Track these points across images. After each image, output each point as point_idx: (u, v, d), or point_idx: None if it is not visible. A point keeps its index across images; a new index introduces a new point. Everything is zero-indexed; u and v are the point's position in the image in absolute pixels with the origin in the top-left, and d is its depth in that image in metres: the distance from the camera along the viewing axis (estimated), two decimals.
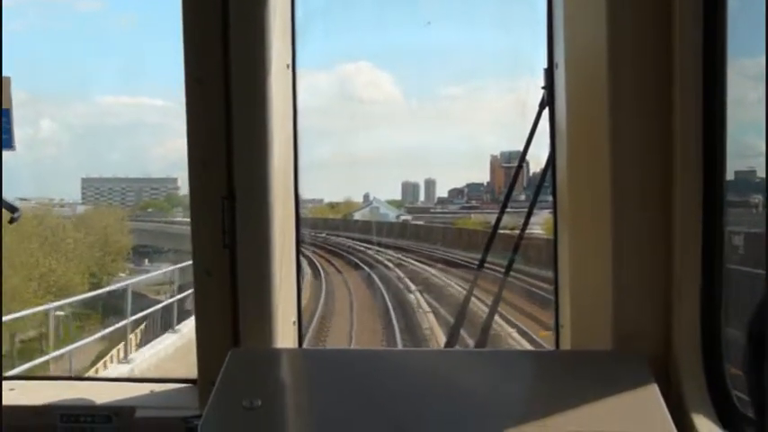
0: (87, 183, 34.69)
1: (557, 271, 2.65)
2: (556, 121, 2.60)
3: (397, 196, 30.13)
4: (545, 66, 2.63)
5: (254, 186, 2.47)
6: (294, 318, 2.72)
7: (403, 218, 27.24)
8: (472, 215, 24.96)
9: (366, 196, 28.09)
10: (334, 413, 2.09)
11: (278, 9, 2.51)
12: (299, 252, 2.75)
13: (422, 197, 30.67)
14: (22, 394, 2.82)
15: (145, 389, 2.87)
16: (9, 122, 2.73)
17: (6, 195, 2.62)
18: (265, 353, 2.48)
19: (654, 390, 2.09)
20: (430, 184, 30.24)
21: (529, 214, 2.89)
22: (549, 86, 2.61)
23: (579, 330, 2.50)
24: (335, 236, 24.88)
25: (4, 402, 2.65)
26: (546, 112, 2.64)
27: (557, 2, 2.50)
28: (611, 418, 2.05)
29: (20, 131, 2.76)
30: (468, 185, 27.85)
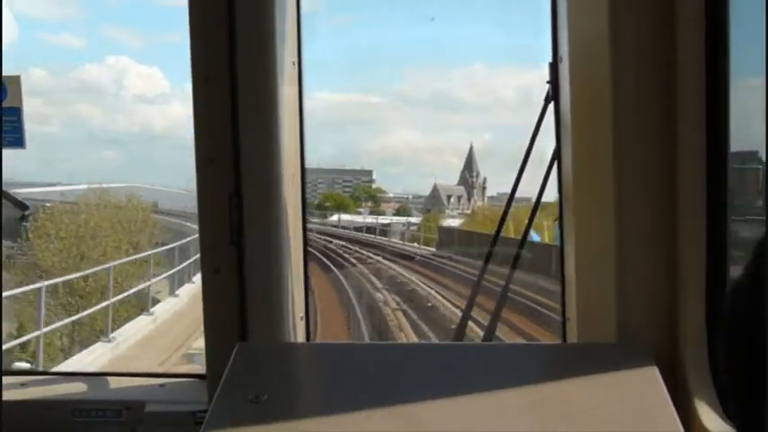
0: None
1: (563, 264, 2.65)
2: (561, 115, 2.60)
3: None
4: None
5: (260, 183, 2.49)
6: (302, 313, 2.74)
7: None
8: None
9: None
10: (340, 406, 2.10)
11: (285, 7, 2.52)
12: (306, 247, 2.77)
13: None
14: (33, 389, 2.85)
15: (155, 383, 2.90)
16: (20, 121, 2.72)
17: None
18: (272, 347, 2.50)
19: (658, 381, 2.10)
20: None
21: (535, 207, 2.90)
22: (554, 81, 2.62)
23: (585, 323, 2.51)
24: None
25: (16, 397, 2.69)
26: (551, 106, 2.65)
27: None
28: (616, 409, 2.06)
29: None
30: None
